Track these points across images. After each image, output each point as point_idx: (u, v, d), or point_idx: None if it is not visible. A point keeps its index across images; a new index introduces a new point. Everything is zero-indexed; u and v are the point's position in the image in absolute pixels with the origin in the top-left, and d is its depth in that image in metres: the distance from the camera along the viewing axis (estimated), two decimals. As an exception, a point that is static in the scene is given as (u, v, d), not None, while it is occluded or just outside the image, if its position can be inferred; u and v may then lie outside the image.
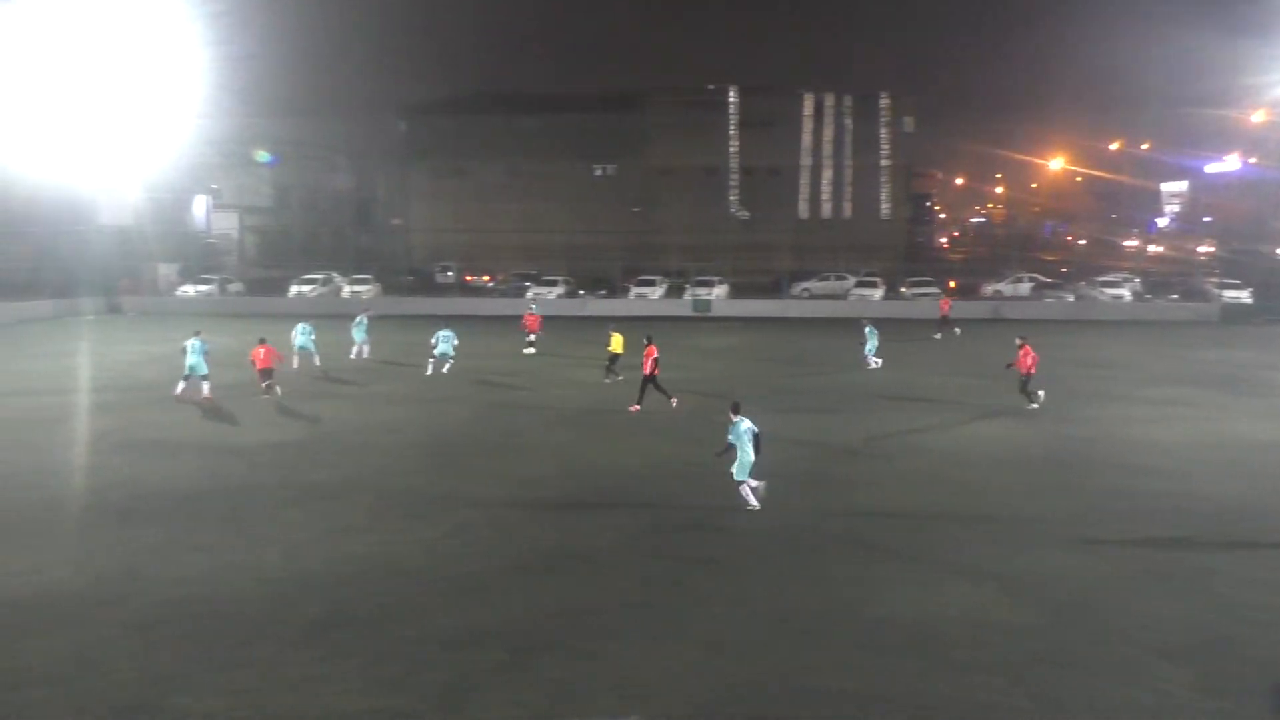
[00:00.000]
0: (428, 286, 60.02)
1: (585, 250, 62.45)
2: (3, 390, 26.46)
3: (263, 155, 68.87)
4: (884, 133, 75.57)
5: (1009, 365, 24.32)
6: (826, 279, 58.61)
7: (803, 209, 76.28)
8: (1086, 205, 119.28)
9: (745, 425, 14.79)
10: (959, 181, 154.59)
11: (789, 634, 10.67)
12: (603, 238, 60.50)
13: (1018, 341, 24.14)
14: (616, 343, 27.77)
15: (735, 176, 76.47)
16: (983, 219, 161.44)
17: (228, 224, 73.71)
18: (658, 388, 23.39)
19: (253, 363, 25.12)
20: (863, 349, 30.54)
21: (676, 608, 11.41)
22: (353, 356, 32.09)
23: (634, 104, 77.08)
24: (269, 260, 69.34)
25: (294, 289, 56.07)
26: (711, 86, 77.95)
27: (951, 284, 57.64)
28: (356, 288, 56.17)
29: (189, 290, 56.08)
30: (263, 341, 25.19)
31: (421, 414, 23.04)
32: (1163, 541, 13.81)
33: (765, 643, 10.45)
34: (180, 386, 24.33)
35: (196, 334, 24.52)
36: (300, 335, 29.40)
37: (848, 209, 76.32)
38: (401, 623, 10.87)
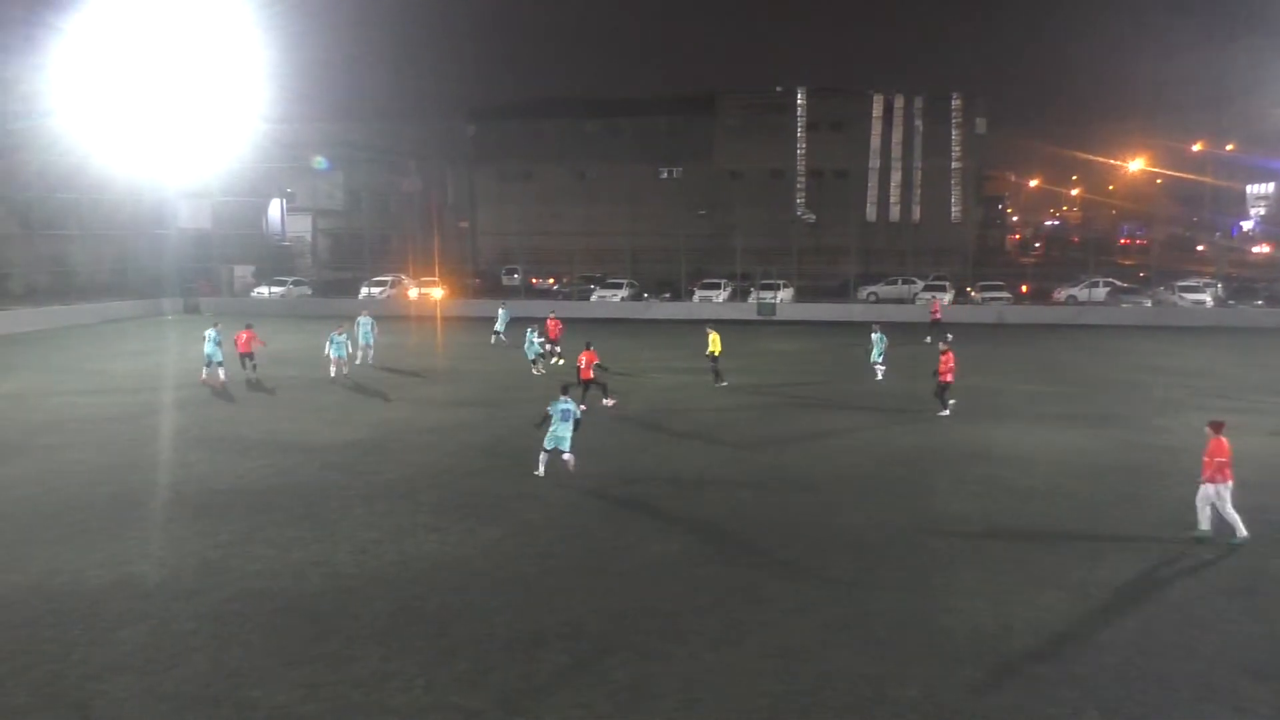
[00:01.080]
0: (494, 288, 60.67)
1: (650, 253, 62.50)
2: (87, 388, 27.44)
3: (320, 162, 70.57)
4: (955, 134, 74.31)
5: (934, 372, 23.40)
6: (893, 282, 57.80)
7: (870, 212, 75.37)
8: (1166, 208, 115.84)
9: (565, 405, 16.84)
10: (1033, 184, 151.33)
11: (854, 641, 10.55)
12: (668, 240, 60.44)
13: (942, 346, 23.56)
14: (714, 342, 27.33)
15: (802, 179, 75.89)
16: (1057, 222, 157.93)
17: (301, 227, 75.43)
18: (602, 387, 23.89)
19: (234, 345, 27.76)
20: (869, 356, 28.93)
21: (741, 612, 11.36)
22: (358, 362, 30.46)
23: (701, 106, 77.04)
24: (340, 262, 70.76)
25: (364, 290, 57.16)
26: (779, 88, 77.52)
27: (1024, 288, 56.47)
28: (425, 289, 57.07)
29: (263, 291, 57.54)
30: (248, 327, 28.41)
31: (484, 416, 23.29)
32: (1246, 554, 13.33)
33: (829, 649, 10.34)
34: (204, 373, 26.94)
35: (215, 325, 27.30)
36: (332, 345, 28.05)
37: (916, 212, 75.18)
38: (467, 622, 11.00)
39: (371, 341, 31.62)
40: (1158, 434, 21.35)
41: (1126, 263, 75.74)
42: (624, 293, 55.75)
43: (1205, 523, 13.74)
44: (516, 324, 35.84)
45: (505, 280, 63.11)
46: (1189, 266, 65.37)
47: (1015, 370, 31.48)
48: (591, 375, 23.34)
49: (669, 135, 77.77)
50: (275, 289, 57.45)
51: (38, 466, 18.11)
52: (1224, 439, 13.70)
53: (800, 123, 75.69)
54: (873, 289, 57.07)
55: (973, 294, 54.36)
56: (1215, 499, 13.60)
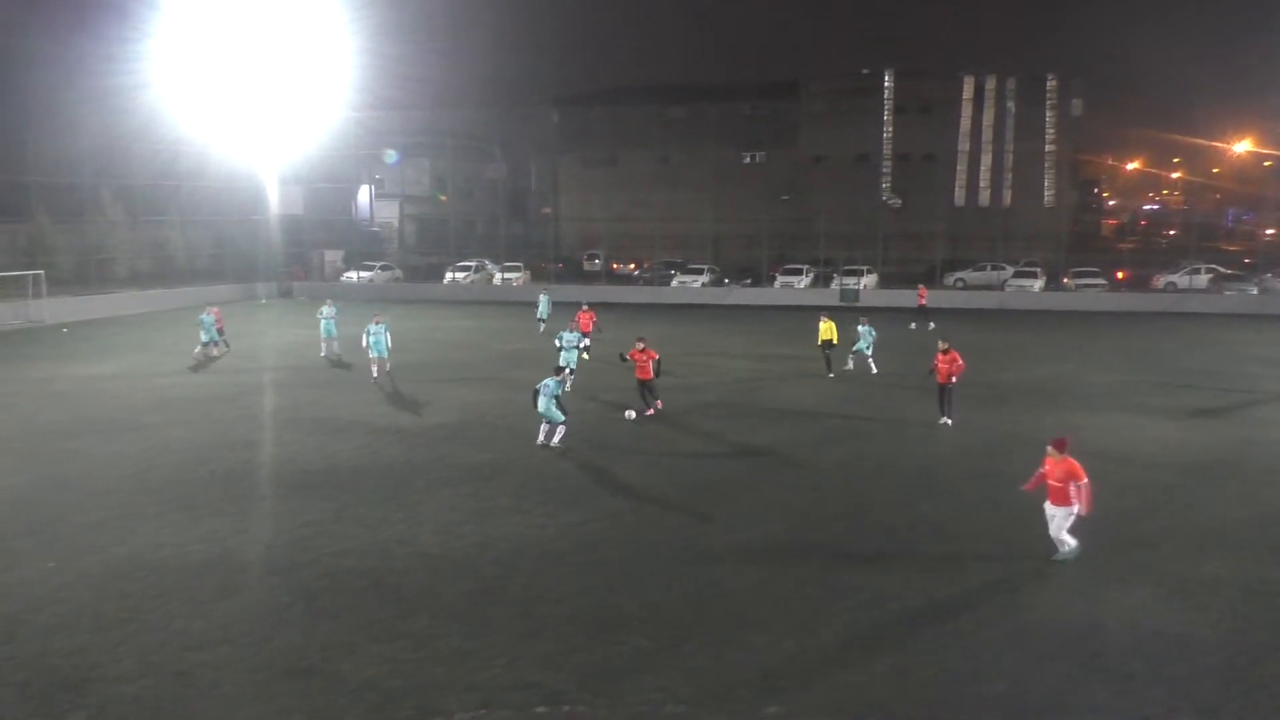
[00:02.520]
0: (576, 274, 61.10)
1: (732, 239, 62.18)
2: (185, 369, 28.53)
3: (390, 155, 71.78)
4: (1049, 116, 72.02)
5: (930, 371, 20.99)
6: (982, 269, 56.46)
7: (959, 196, 73.63)
8: (1275, 191, 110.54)
9: (548, 381, 18.27)
10: (1132, 167, 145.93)
11: (935, 632, 10.39)
12: (750, 226, 60.06)
13: (943, 345, 20.61)
14: (828, 330, 26.68)
15: (888, 163, 74.53)
16: (1157, 206, 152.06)
17: (389, 212, 77.04)
18: (649, 391, 21.64)
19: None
20: (854, 347, 27.46)
21: (821, 600, 11.28)
22: (323, 354, 29.80)
23: (786, 91, 76.17)
24: (426, 247, 72.09)
25: (449, 275, 58.17)
26: (865, 71, 76.15)
27: (1120, 275, 54.62)
28: (508, 274, 57.81)
29: (353, 276, 58.98)
30: (213, 307, 30.51)
31: (569, 401, 23.45)
32: (1356, 557, 12.71)
33: (911, 641, 10.21)
34: (198, 350, 29.56)
35: (208, 309, 30.27)
36: (372, 338, 25.96)
37: (1007, 196, 73.17)
38: (549, 604, 11.16)
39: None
40: (1261, 427, 20.47)
41: (1231, 248, 72.61)
42: (704, 278, 55.62)
43: (1063, 550, 12.42)
44: (561, 309, 35.85)
45: (587, 266, 63.54)
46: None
47: (1108, 359, 30.49)
48: (651, 375, 21.32)
49: (753, 120, 77.13)
50: (364, 274, 58.83)
51: (142, 444, 18.92)
52: (1069, 459, 12.19)
53: (887, 106, 74.25)
54: (960, 275, 55.86)
55: (1066, 281, 52.79)
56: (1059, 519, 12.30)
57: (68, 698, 9.01)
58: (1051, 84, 71.90)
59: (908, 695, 9.10)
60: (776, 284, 54.05)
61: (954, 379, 20.32)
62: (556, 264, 60.98)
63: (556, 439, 18.35)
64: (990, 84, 72.80)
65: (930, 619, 10.78)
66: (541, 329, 35.44)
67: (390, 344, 26.12)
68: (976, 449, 18.59)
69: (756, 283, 54.75)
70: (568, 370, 22.30)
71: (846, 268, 53.71)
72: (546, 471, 16.93)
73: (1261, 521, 14.18)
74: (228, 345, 30.81)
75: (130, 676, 9.44)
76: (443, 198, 76.64)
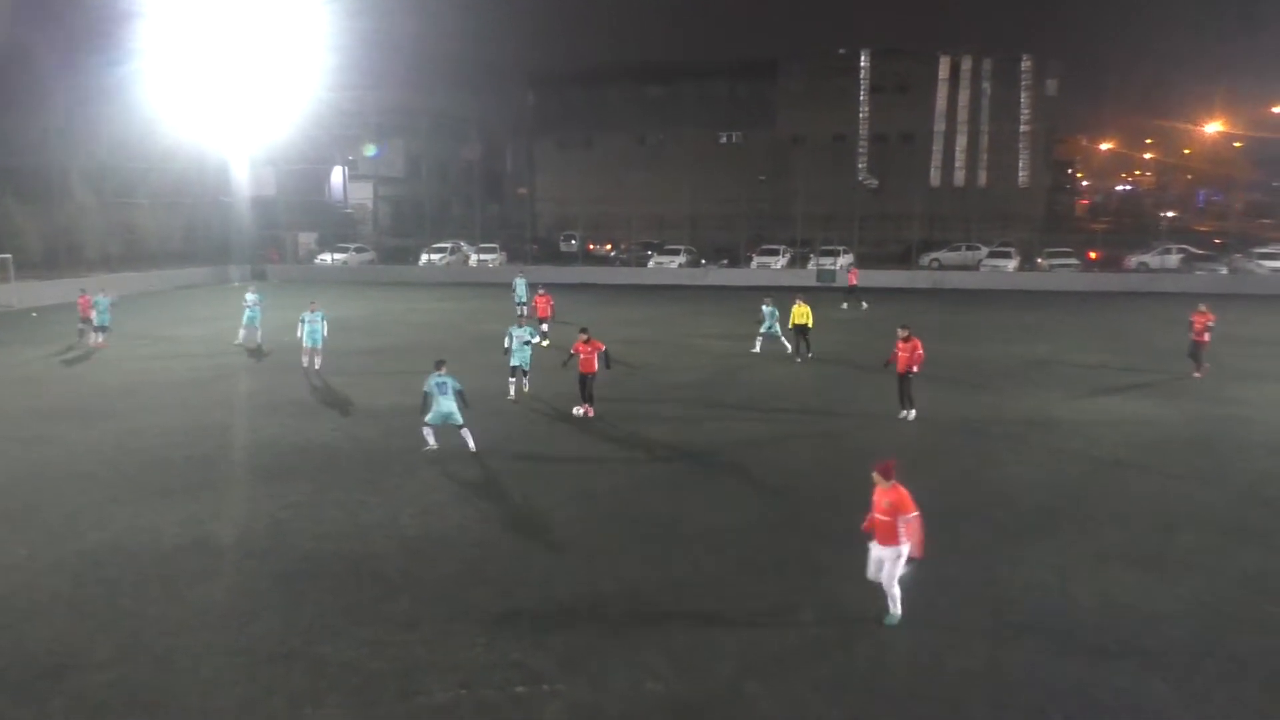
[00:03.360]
0: (552, 255, 60.90)
1: (710, 219, 62.17)
2: (161, 353, 28.27)
3: (369, 149, 71.03)
4: (1025, 96, 72.47)
5: (887, 364, 19.96)
6: (957, 249, 56.79)
7: (935, 177, 74.00)
8: (1246, 173, 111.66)
9: (439, 380, 16.58)
10: (1105, 147, 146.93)
11: (914, 611, 10.49)
12: (728, 206, 60.07)
13: (902, 334, 19.21)
14: (801, 314, 25.99)
15: (865, 143, 74.72)
16: (1130, 186, 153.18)
17: (363, 194, 76.42)
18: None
19: (78, 308, 29.40)
20: (758, 329, 27.16)
21: (800, 581, 11.38)
22: (239, 341, 29.37)
23: (763, 70, 76.08)
24: (401, 229, 71.63)
25: (424, 257, 57.83)
26: (842, 51, 76.17)
27: (1092, 255, 55.09)
28: (484, 256, 57.53)
29: (327, 258, 58.52)
30: (83, 292, 29.65)
31: (546, 382, 23.44)
32: (1323, 531, 12.95)
33: (886, 617, 10.31)
34: (94, 338, 28.70)
35: (101, 291, 29.41)
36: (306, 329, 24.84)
37: (983, 177, 73.64)
38: (528, 585, 11.19)
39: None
40: (1230, 404, 20.78)
41: (1202, 229, 73.38)
42: (681, 259, 55.63)
43: (895, 605, 10.13)
44: (552, 291, 35.56)
45: (563, 247, 63.33)
46: (1268, 233, 63.09)
47: (1081, 339, 30.81)
48: (595, 369, 19.49)
49: (730, 100, 77.07)
50: (338, 256, 58.40)
51: (117, 429, 18.75)
52: (898, 487, 9.99)
53: (864, 86, 74.41)
54: (935, 256, 56.17)
55: (1040, 262, 53.19)
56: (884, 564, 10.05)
57: (46, 685, 8.96)
58: (1027, 64, 72.32)
59: (886, 672, 9.22)
60: (753, 265, 54.13)
61: (915, 369, 18.98)
62: (533, 245, 60.77)
63: (470, 441, 16.68)
64: (966, 64, 73.06)
65: (908, 598, 10.88)
66: (524, 312, 35.09)
67: (326, 333, 24.87)
68: (952, 429, 18.76)
69: (734, 263, 54.80)
70: (522, 371, 20.97)
71: (823, 248, 53.83)
72: (525, 454, 16.93)
73: (1232, 498, 14.41)
74: (98, 332, 28.63)
75: (108, 663, 9.39)
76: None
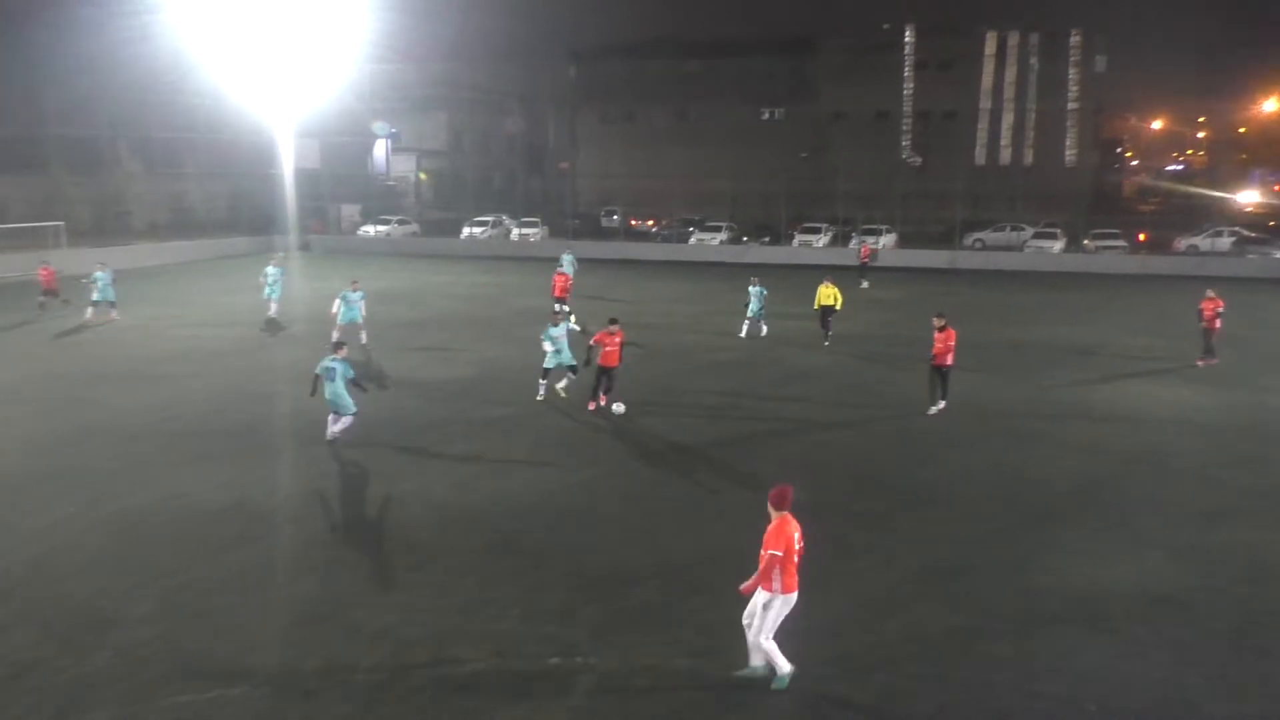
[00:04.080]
0: (593, 230, 60.89)
1: (751, 196, 61.70)
2: (206, 320, 28.75)
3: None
4: (1073, 73, 70.81)
5: (930, 357, 18.31)
6: (1001, 229, 55.92)
7: (979, 155, 72.75)
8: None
9: (329, 364, 15.48)
10: (1155, 125, 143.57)
11: (941, 594, 10.48)
12: (769, 183, 59.59)
13: (937, 322, 18.03)
14: (828, 295, 25.08)
15: (908, 121, 73.64)
16: (1181, 166, 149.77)
17: (405, 167, 76.79)
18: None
19: (39, 281, 28.95)
20: (746, 310, 25.96)
21: (829, 561, 11.36)
22: (272, 313, 28.56)
23: (806, 46, 75.11)
24: (443, 202, 71.94)
25: (465, 230, 58.09)
26: (886, 26, 74.97)
27: (1141, 236, 54.00)
28: (525, 230, 57.67)
29: (369, 230, 58.97)
30: (45, 264, 29.42)
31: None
32: (1368, 523, 12.69)
33: (918, 602, 10.31)
34: (89, 312, 27.39)
35: (100, 266, 28.35)
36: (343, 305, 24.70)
37: (1028, 155, 72.25)
38: (560, 557, 11.30)
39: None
40: (1278, 394, 20.35)
41: (1255, 210, 71.60)
42: (722, 236, 55.35)
43: (756, 657, 8.56)
44: (593, 266, 35.44)
45: (604, 222, 63.25)
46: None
47: (1125, 322, 30.28)
48: (618, 361, 18.07)
49: (772, 76, 76.21)
50: (380, 228, 58.81)
51: (163, 394, 19.14)
52: (787, 517, 8.55)
53: (907, 62, 73.22)
54: (979, 235, 55.38)
55: (1087, 243, 52.25)
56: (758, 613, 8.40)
57: (91, 638, 9.23)
58: (1075, 40, 70.64)
59: (914, 654, 9.21)
60: (795, 242, 53.75)
61: (949, 360, 17.87)
62: (574, 220, 60.77)
63: (338, 427, 15.57)
64: (1013, 40, 71.58)
65: (936, 581, 10.87)
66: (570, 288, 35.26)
67: (365, 313, 24.61)
68: (987, 415, 18.54)
69: (775, 241, 54.45)
70: (571, 373, 18.70)
71: (865, 227, 53.29)
72: (561, 427, 17.04)
73: (1273, 488, 14.16)
74: (99, 306, 27.55)
75: (150, 618, 9.65)
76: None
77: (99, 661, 8.82)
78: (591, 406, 17.90)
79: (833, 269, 31.65)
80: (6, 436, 16.10)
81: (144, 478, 13.92)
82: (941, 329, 17.87)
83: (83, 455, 15.02)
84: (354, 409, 15.57)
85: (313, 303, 30.26)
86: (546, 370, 18.61)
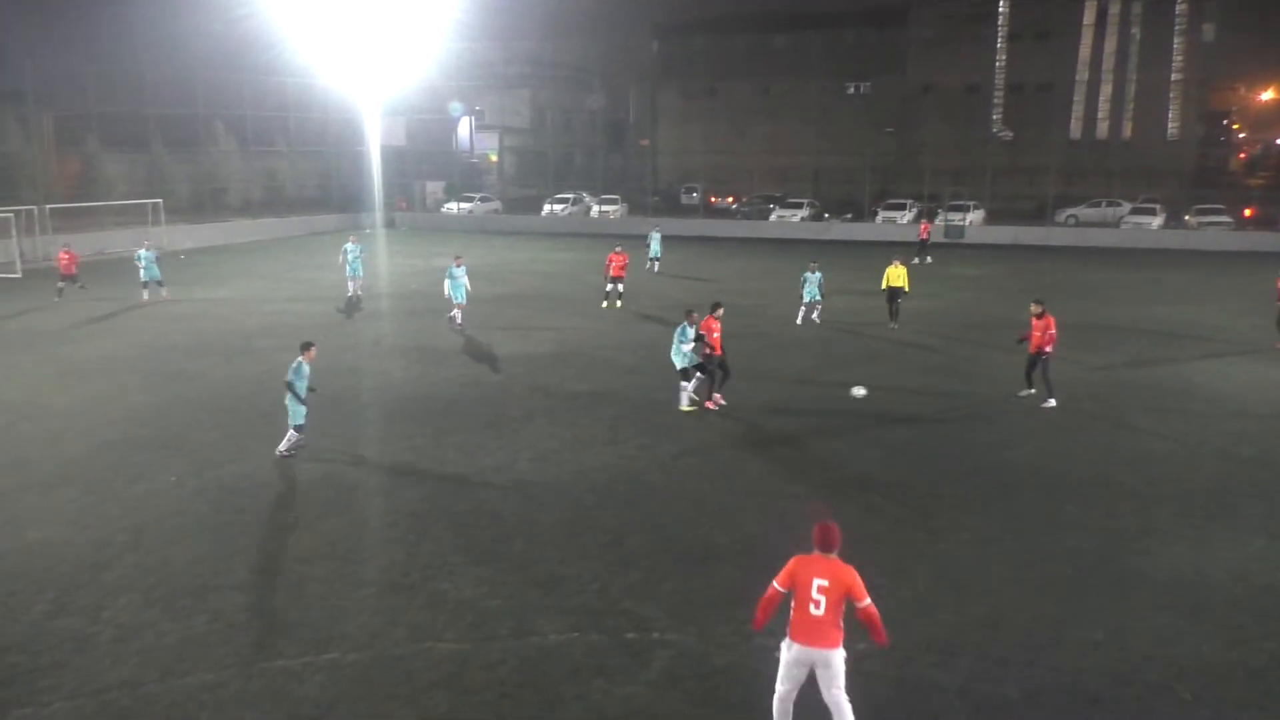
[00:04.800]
0: (673, 207, 60.69)
1: (834, 172, 60.73)
2: (297, 295, 29.51)
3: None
4: (1177, 43, 67.78)
5: (1020, 340, 17.53)
6: (1097, 205, 54.00)
7: (1075, 128, 70.21)
8: None
9: (297, 365, 13.71)
10: (1266, 96, 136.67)
11: (1034, 578, 10.20)
12: (852, 159, 58.54)
13: (1035, 309, 16.98)
14: (897, 275, 24.15)
15: (1000, 93, 71.43)
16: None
17: (489, 144, 77.48)
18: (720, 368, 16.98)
19: (57, 265, 28.80)
20: (803, 296, 24.48)
21: (915, 541, 11.18)
22: (359, 292, 28.61)
23: (894, 17, 73.37)
24: (525, 180, 72.46)
25: (547, 208, 58.45)
26: (980, -4, 72.70)
27: (1248, 212, 51.59)
28: (605, 207, 57.75)
29: (452, 208, 59.76)
30: (66, 248, 29.12)
31: (664, 335, 23.48)
32: None
33: (1006, 586, 10.05)
34: (144, 294, 27.82)
35: (145, 245, 28.53)
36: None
37: (1127, 129, 69.47)
38: (640, 533, 11.32)
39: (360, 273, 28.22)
40: (1397, 377, 19.28)
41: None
42: (804, 213, 54.62)
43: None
44: (673, 244, 35.27)
45: (684, 199, 63.00)
46: None
47: (1230, 302, 28.96)
48: (722, 351, 16.77)
49: (858, 49, 74.71)
50: (463, 205, 59.54)
51: (256, 366, 19.73)
52: (811, 560, 7.40)
53: (1001, 33, 70.94)
54: (1072, 212, 53.59)
55: (1189, 219, 50.15)
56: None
57: (189, 603, 9.57)
58: (1182, 7, 67.51)
59: (1001, 639, 8.99)
60: (878, 219, 52.76)
61: (1047, 350, 16.73)
62: (654, 197, 60.64)
63: (284, 445, 13.89)
64: (1115, 8, 68.73)
65: (1026, 564, 10.59)
66: (656, 269, 35.11)
67: (469, 288, 24.70)
68: (1082, 394, 17.95)
69: (858, 218, 53.53)
70: (696, 372, 16.71)
71: (952, 203, 52.03)
72: (643, 403, 17.04)
73: (1391, 475, 13.43)
74: (149, 286, 27.83)
75: (245, 585, 9.97)
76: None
77: (198, 626, 9.14)
78: (710, 405, 16.65)
79: (902, 246, 30.96)
80: (111, 407, 16.80)
81: (238, 448, 14.38)
82: (1040, 315, 16.82)
83: (180, 426, 15.58)
84: (300, 420, 13.70)
85: (398, 280, 30.79)
86: (684, 371, 16.42)
